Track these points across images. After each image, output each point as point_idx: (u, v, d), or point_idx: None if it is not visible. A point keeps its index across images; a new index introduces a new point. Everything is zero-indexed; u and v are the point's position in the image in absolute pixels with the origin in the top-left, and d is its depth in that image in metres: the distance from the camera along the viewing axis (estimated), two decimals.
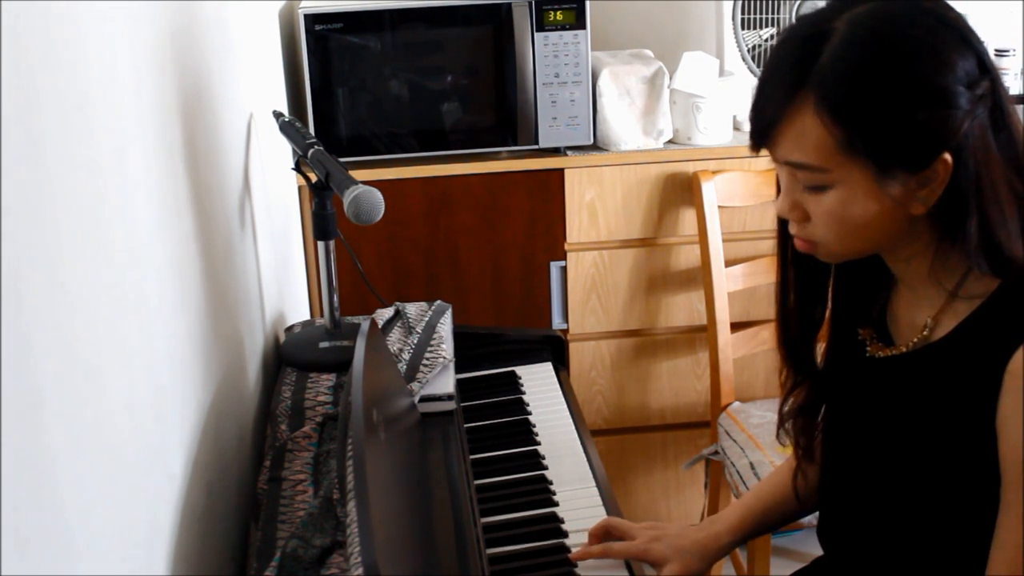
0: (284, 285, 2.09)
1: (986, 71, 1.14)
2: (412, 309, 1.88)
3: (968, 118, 1.12)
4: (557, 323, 2.54)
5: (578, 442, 1.73)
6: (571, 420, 1.80)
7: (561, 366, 2.00)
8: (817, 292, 1.35)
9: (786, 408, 1.42)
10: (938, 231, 1.19)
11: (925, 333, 1.24)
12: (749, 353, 2.52)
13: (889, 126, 1.12)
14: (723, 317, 2.43)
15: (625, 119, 2.44)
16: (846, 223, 1.18)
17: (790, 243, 1.29)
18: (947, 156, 1.13)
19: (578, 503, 1.56)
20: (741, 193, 2.46)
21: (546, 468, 1.65)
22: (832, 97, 1.12)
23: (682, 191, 2.48)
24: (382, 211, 1.49)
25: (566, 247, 2.49)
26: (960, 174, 1.14)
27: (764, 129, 1.19)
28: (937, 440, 1.21)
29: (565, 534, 1.48)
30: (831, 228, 1.19)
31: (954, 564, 1.23)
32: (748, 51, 2.54)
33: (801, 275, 1.34)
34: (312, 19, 2.30)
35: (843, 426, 1.36)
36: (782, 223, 1.31)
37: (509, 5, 2.34)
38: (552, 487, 1.60)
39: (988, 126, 1.14)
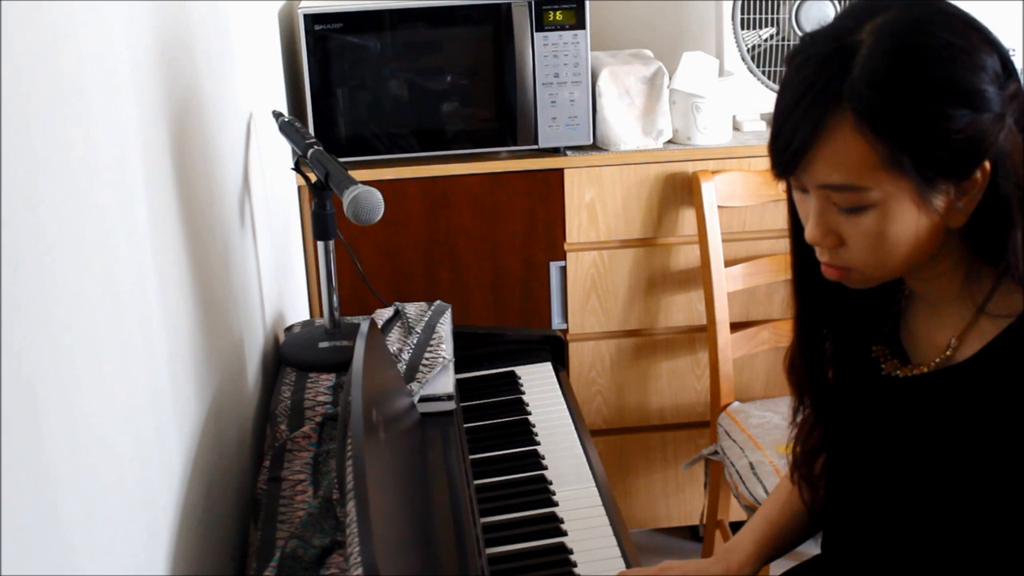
0: (284, 285, 2.09)
1: (1010, 73, 1.12)
2: (412, 309, 1.88)
3: (1001, 121, 1.10)
4: (557, 323, 2.54)
5: (578, 442, 1.73)
6: (571, 420, 1.80)
7: (561, 366, 2.00)
8: (837, 320, 1.31)
9: (807, 448, 1.37)
10: (969, 247, 1.16)
11: (948, 353, 1.20)
12: (749, 353, 2.52)
13: (932, 134, 1.08)
14: (723, 317, 2.43)
15: (625, 119, 2.44)
16: (887, 242, 1.13)
17: (809, 274, 1.25)
18: (986, 163, 1.10)
19: (578, 503, 1.57)
20: (741, 193, 2.46)
21: (546, 468, 1.65)
22: (871, 110, 1.07)
23: (682, 191, 2.48)
24: (382, 211, 1.49)
25: (566, 247, 2.49)
26: (999, 180, 1.11)
27: (795, 155, 1.12)
28: (961, 462, 1.18)
29: (564, 533, 1.49)
30: (871, 250, 1.14)
31: None
32: (748, 51, 2.54)
33: (821, 306, 1.29)
34: (312, 19, 2.30)
35: (853, 445, 1.32)
36: (798, 255, 1.27)
37: (509, 5, 2.34)
38: (552, 487, 1.60)
39: (1016, 130, 1.11)
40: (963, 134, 1.08)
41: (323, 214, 1.71)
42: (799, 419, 1.37)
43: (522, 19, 2.35)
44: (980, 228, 1.13)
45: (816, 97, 1.10)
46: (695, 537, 2.82)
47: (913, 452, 1.23)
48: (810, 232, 1.17)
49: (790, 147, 1.12)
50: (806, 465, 1.38)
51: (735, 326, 2.47)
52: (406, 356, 1.70)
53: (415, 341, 1.74)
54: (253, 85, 1.93)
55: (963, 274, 1.18)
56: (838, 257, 1.18)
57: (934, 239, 1.14)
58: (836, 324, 1.31)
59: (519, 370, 1.96)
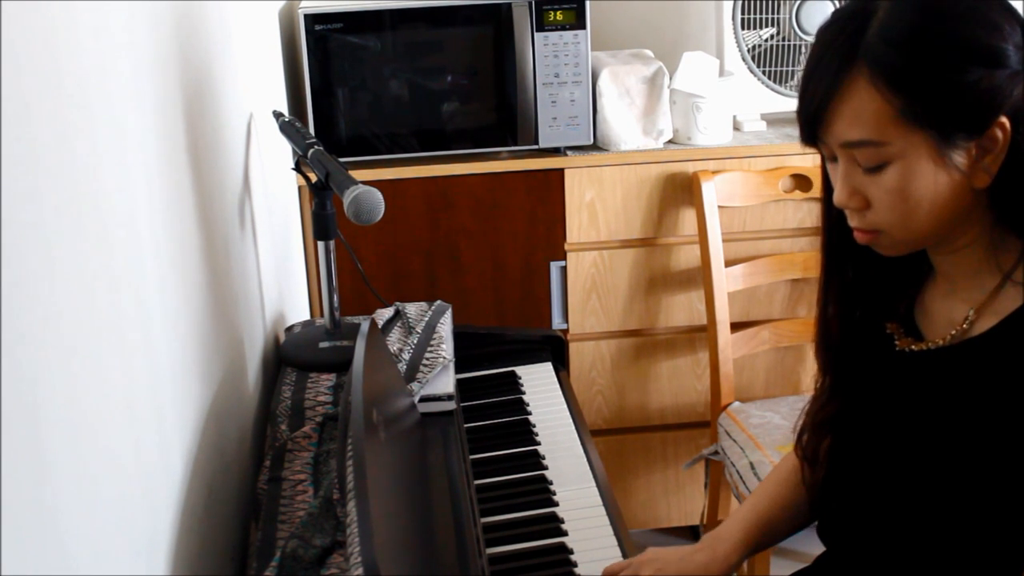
0: (284, 285, 2.09)
1: None
2: (412, 309, 1.88)
3: (1017, 77, 1.12)
4: (557, 323, 2.54)
5: (578, 442, 1.73)
6: (571, 420, 1.80)
7: (561, 366, 2.00)
8: (859, 294, 1.33)
9: (818, 419, 1.38)
10: (995, 216, 1.18)
11: (965, 326, 1.22)
12: (749, 353, 2.52)
13: (945, 88, 1.11)
14: (723, 317, 2.43)
15: (625, 119, 2.44)
16: (910, 200, 1.15)
17: (837, 244, 1.28)
18: (1004, 119, 1.12)
19: (578, 503, 1.56)
20: (741, 193, 2.46)
21: (546, 468, 1.65)
22: (885, 64, 1.12)
23: (682, 191, 2.48)
24: (382, 211, 1.49)
25: (566, 247, 2.49)
26: (1019, 140, 1.13)
27: (816, 113, 1.17)
28: (971, 437, 1.19)
29: (565, 533, 1.49)
30: (895, 209, 1.17)
31: (968, 562, 1.21)
32: (748, 51, 2.54)
33: (847, 277, 1.32)
34: (312, 19, 2.30)
35: (862, 422, 1.33)
36: (829, 223, 1.29)
37: (509, 5, 2.34)
38: (552, 487, 1.60)
39: None
40: (975, 88, 1.11)
41: (323, 214, 1.71)
42: (817, 391, 1.39)
43: (522, 19, 2.35)
44: (1006, 192, 1.15)
45: (833, 57, 1.15)
46: (695, 537, 2.82)
47: (923, 429, 1.24)
48: (837, 194, 1.21)
49: (811, 107, 1.17)
50: (814, 436, 1.39)
51: (735, 326, 2.47)
52: (406, 356, 1.70)
53: (415, 341, 1.74)
54: (253, 85, 1.93)
55: (987, 245, 1.20)
56: (865, 220, 1.20)
57: (957, 199, 1.16)
58: (857, 297, 1.33)
59: (519, 370, 1.96)
